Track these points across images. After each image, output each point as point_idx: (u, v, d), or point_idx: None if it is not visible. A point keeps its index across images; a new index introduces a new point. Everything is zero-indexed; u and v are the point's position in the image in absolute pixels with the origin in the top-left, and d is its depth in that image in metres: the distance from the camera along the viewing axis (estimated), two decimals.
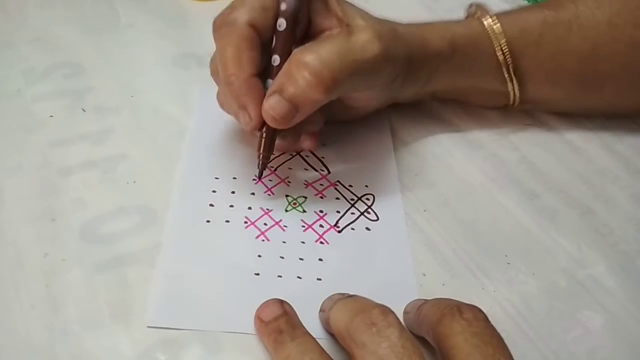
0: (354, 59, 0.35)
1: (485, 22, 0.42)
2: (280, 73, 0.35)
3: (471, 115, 0.46)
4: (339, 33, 0.36)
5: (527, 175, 0.42)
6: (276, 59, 0.36)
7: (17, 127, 0.42)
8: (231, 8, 0.36)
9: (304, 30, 0.37)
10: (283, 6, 0.36)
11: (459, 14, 0.46)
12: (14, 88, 0.45)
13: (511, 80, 0.43)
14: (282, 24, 0.36)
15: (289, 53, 0.35)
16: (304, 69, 0.34)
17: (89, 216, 0.37)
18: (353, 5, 0.38)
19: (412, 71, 0.40)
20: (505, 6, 0.46)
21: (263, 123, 0.36)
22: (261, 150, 0.37)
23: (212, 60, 0.39)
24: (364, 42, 0.35)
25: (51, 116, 0.43)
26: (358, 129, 0.44)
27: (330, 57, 0.34)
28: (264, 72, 0.36)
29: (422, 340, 0.30)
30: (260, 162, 0.38)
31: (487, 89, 0.44)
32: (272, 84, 0.35)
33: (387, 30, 0.38)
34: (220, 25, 0.36)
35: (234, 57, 0.35)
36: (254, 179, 0.39)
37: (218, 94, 0.40)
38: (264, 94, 0.35)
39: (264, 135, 0.37)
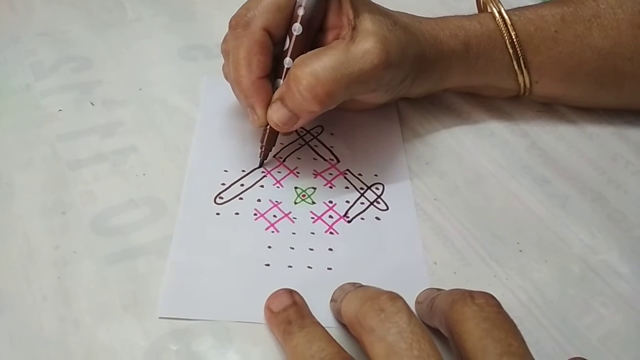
0: (350, 71, 0.35)
1: (497, 18, 0.41)
2: (283, 82, 0.36)
3: (481, 103, 0.46)
4: (339, 42, 0.36)
5: (538, 161, 0.42)
6: (289, 62, 0.37)
7: (27, 121, 0.42)
8: (246, 9, 0.37)
9: (317, 29, 0.37)
10: (300, 11, 0.36)
11: (470, 2, 0.46)
12: (22, 82, 0.45)
13: (522, 73, 0.42)
14: (298, 28, 0.36)
15: None
16: (299, 84, 0.35)
17: (99, 209, 0.37)
18: (368, 2, 0.38)
19: (423, 71, 0.40)
20: None
21: None
22: (264, 142, 0.39)
23: (224, 66, 0.40)
24: (364, 52, 0.36)
25: (60, 110, 0.43)
26: (366, 118, 0.44)
27: (325, 72, 0.35)
28: (274, 71, 0.37)
29: (434, 332, 0.30)
30: (262, 153, 0.39)
31: (500, 86, 0.44)
32: (277, 90, 0.37)
33: (397, 34, 0.37)
34: (236, 26, 0.37)
35: (245, 59, 0.36)
36: (259, 168, 0.40)
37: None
38: (272, 94, 0.37)
39: (268, 130, 0.38)
